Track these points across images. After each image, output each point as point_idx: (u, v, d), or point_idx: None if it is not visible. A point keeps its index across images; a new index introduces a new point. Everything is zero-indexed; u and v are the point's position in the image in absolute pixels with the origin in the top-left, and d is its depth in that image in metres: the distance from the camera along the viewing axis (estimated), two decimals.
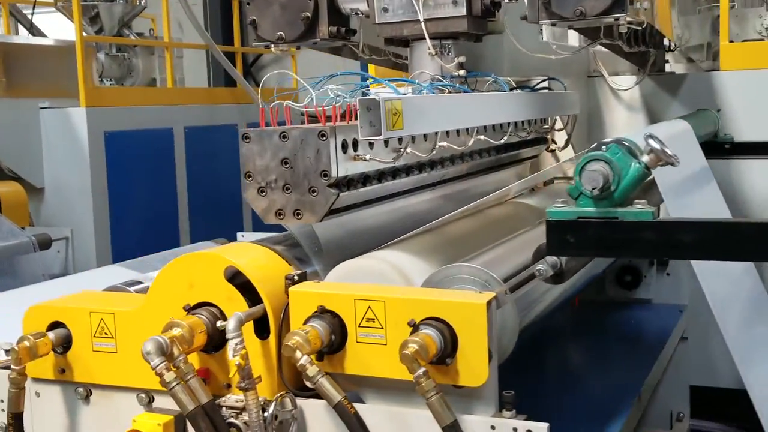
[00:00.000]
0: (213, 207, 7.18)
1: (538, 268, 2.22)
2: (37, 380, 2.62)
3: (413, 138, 2.76)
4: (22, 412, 2.52)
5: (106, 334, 2.53)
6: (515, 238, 2.95)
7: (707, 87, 4.70)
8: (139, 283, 2.88)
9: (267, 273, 2.44)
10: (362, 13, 3.32)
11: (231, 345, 2.24)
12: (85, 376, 2.58)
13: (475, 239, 3.06)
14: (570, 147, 4.58)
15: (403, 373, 2.21)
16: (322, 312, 2.29)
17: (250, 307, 2.38)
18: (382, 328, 2.25)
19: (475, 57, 3.59)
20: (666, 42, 4.86)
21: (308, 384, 2.21)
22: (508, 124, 3.50)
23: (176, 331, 2.29)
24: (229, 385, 2.43)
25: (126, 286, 2.83)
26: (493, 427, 2.20)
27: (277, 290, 2.40)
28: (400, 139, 2.77)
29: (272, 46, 3.46)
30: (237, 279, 2.43)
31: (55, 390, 2.65)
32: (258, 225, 7.65)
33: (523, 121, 3.74)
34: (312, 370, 2.18)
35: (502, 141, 3.50)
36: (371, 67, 4.84)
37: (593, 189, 2.07)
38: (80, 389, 2.61)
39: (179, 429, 2.46)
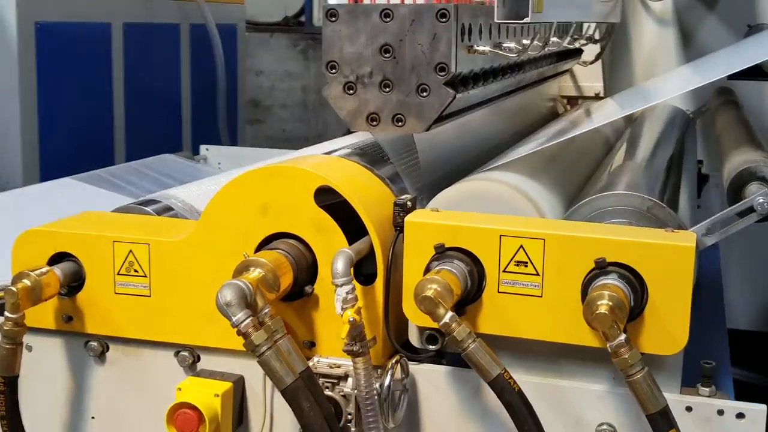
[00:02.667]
0: (152, 117, 6.37)
1: (760, 201, 1.67)
2: (29, 330, 1.93)
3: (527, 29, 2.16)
4: (18, 376, 1.85)
5: (136, 271, 1.88)
6: (626, 164, 2.39)
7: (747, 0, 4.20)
8: (156, 202, 2.21)
9: (369, 196, 1.82)
10: None
11: (340, 294, 1.63)
12: (102, 326, 1.93)
13: (572, 162, 2.51)
14: (600, 62, 4.06)
15: (567, 334, 1.67)
16: (452, 251, 1.70)
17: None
18: (538, 275, 1.67)
19: None
20: None
21: (456, 349, 1.61)
22: (574, 25, 2.92)
23: (256, 273, 1.66)
24: (312, 344, 1.83)
25: (142, 206, 2.16)
26: (689, 409, 1.67)
27: (383, 220, 1.79)
28: (505, 31, 2.17)
29: None
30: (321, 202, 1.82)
31: (55, 343, 1.99)
32: (198, 139, 6.89)
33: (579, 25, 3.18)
34: (461, 331, 1.59)
35: (575, 46, 2.93)
36: None
37: None
38: (93, 343, 1.96)
39: (237, 397, 1.86)
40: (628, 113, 3.09)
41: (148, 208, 2.14)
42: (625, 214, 1.83)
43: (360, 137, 2.57)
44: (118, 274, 1.89)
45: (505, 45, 2.14)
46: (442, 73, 1.85)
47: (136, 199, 2.33)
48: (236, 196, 1.81)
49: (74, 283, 1.91)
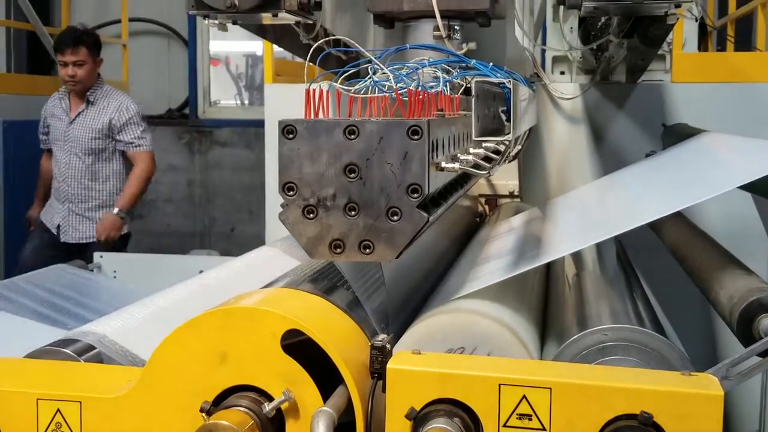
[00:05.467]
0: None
1: None
2: None
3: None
4: None
5: None
6: (584, 283, 2.24)
7: (656, 99, 4.21)
8: (75, 341, 1.91)
9: (341, 339, 1.60)
10: None
11: None
12: None
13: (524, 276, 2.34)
14: (516, 161, 3.99)
15: None
16: (443, 403, 1.49)
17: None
18: (545, 430, 1.47)
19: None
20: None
21: None
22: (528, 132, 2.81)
23: None
24: None
25: (61, 348, 1.86)
26: None
27: (358, 366, 1.56)
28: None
29: (207, 19, 2.64)
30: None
31: None
32: None
33: None
34: None
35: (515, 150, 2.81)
36: None
37: None
38: None
39: None
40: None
41: (67, 350, 1.85)
42: (620, 350, 1.66)
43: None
44: None
45: (474, 160, 1.95)
46: (415, 195, 1.66)
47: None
48: (189, 342, 1.55)
49: None
